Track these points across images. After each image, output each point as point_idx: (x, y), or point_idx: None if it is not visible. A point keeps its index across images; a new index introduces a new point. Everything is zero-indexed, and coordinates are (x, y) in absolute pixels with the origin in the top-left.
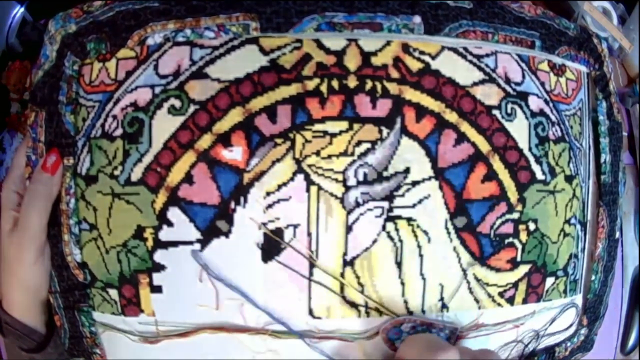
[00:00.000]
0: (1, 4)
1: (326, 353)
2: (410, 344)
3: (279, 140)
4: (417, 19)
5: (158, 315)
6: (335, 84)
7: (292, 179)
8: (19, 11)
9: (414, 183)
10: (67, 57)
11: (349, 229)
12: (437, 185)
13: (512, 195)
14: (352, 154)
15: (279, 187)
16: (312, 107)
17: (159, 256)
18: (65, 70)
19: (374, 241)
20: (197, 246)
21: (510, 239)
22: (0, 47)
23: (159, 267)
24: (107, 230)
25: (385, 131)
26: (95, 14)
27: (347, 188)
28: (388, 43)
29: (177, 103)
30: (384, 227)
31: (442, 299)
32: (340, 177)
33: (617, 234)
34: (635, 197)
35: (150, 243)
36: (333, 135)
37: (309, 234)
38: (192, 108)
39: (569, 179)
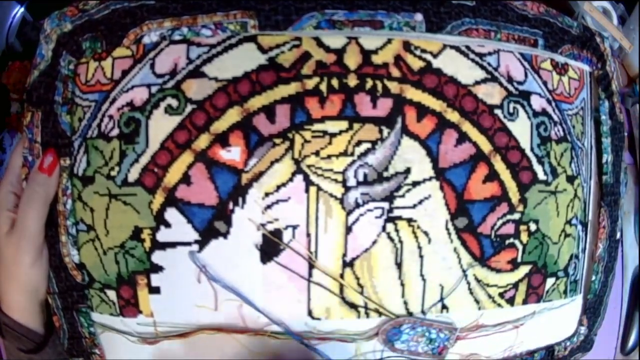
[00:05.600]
0: (1, 4)
1: (325, 354)
2: None
3: (277, 140)
4: (419, 16)
5: (156, 316)
6: (335, 82)
7: (291, 179)
8: (19, 11)
9: (415, 183)
10: (63, 57)
11: (348, 229)
12: (437, 185)
13: (514, 195)
14: (352, 154)
15: (278, 187)
16: (312, 107)
17: (157, 257)
18: (61, 69)
19: (374, 242)
20: (195, 247)
21: (511, 240)
22: (0, 47)
23: (157, 268)
24: (105, 232)
25: (385, 131)
26: (91, 12)
27: (347, 188)
28: (389, 41)
29: (174, 102)
30: (384, 228)
31: (442, 299)
32: (340, 177)
33: (618, 235)
34: (635, 196)
35: (147, 244)
36: (333, 135)
37: (308, 235)
38: (189, 107)
39: (570, 179)
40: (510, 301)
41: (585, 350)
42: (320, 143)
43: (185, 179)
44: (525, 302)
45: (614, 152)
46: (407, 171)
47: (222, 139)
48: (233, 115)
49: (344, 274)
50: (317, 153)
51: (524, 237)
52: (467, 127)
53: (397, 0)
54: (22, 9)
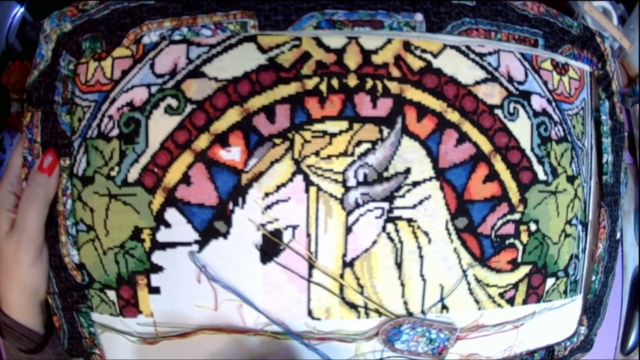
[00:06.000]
0: (1, 4)
1: (325, 354)
2: None
3: (277, 141)
4: (419, 16)
5: (156, 316)
6: (335, 82)
7: (291, 179)
8: (19, 11)
9: (415, 183)
10: (63, 57)
11: (348, 230)
12: (438, 185)
13: (514, 195)
14: (352, 154)
15: (278, 187)
16: (312, 107)
17: (157, 257)
18: (60, 69)
19: (374, 242)
20: (195, 247)
21: (511, 240)
22: (0, 47)
23: (157, 269)
24: (104, 232)
25: (385, 131)
26: (91, 12)
27: (347, 189)
28: (389, 41)
29: (173, 102)
30: (384, 228)
31: (442, 299)
32: (340, 177)
33: (618, 235)
34: (635, 196)
35: (147, 244)
36: (333, 135)
37: (308, 235)
38: (189, 107)
39: (570, 179)
40: (511, 301)
41: (585, 350)
42: (320, 143)
43: (185, 179)
44: (525, 302)
45: (614, 152)
46: (407, 171)
47: (222, 139)
48: (233, 115)
49: (344, 274)
50: (317, 153)
51: (524, 237)
52: (467, 127)
53: (397, 0)
54: (22, 9)
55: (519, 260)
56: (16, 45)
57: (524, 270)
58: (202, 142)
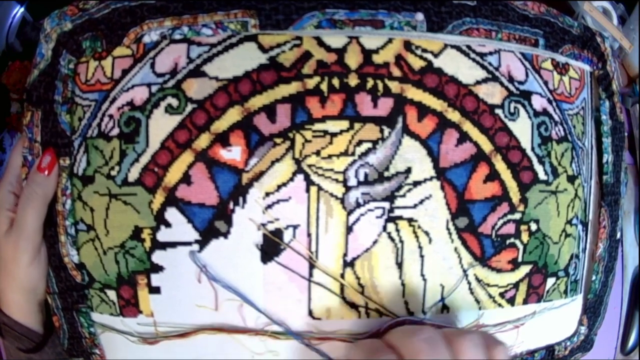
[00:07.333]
0: (1, 4)
1: (326, 354)
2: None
3: (278, 140)
4: (420, 16)
5: (157, 316)
6: (335, 82)
7: (291, 179)
8: (19, 11)
9: (416, 183)
10: (63, 56)
11: (349, 229)
12: (438, 185)
13: (514, 195)
14: (353, 153)
15: (279, 187)
16: (312, 106)
17: (157, 257)
18: (60, 69)
19: (375, 242)
20: (196, 247)
21: (512, 240)
22: (0, 47)
23: (157, 268)
24: (105, 231)
25: (386, 130)
26: (91, 12)
27: (348, 188)
28: (390, 40)
29: (174, 102)
30: (384, 228)
31: (442, 299)
32: (340, 177)
33: (619, 235)
34: (635, 196)
35: (148, 244)
36: (333, 134)
37: (309, 235)
38: (189, 107)
39: (571, 179)
40: (511, 301)
41: (586, 350)
42: (321, 143)
43: (186, 179)
44: (525, 302)
45: (614, 152)
46: (408, 171)
47: (223, 139)
48: (233, 115)
49: (344, 274)
50: (317, 153)
51: (525, 237)
52: (468, 126)
53: None
54: (22, 9)
55: (520, 260)
56: (16, 45)
57: (525, 270)
58: (203, 141)
